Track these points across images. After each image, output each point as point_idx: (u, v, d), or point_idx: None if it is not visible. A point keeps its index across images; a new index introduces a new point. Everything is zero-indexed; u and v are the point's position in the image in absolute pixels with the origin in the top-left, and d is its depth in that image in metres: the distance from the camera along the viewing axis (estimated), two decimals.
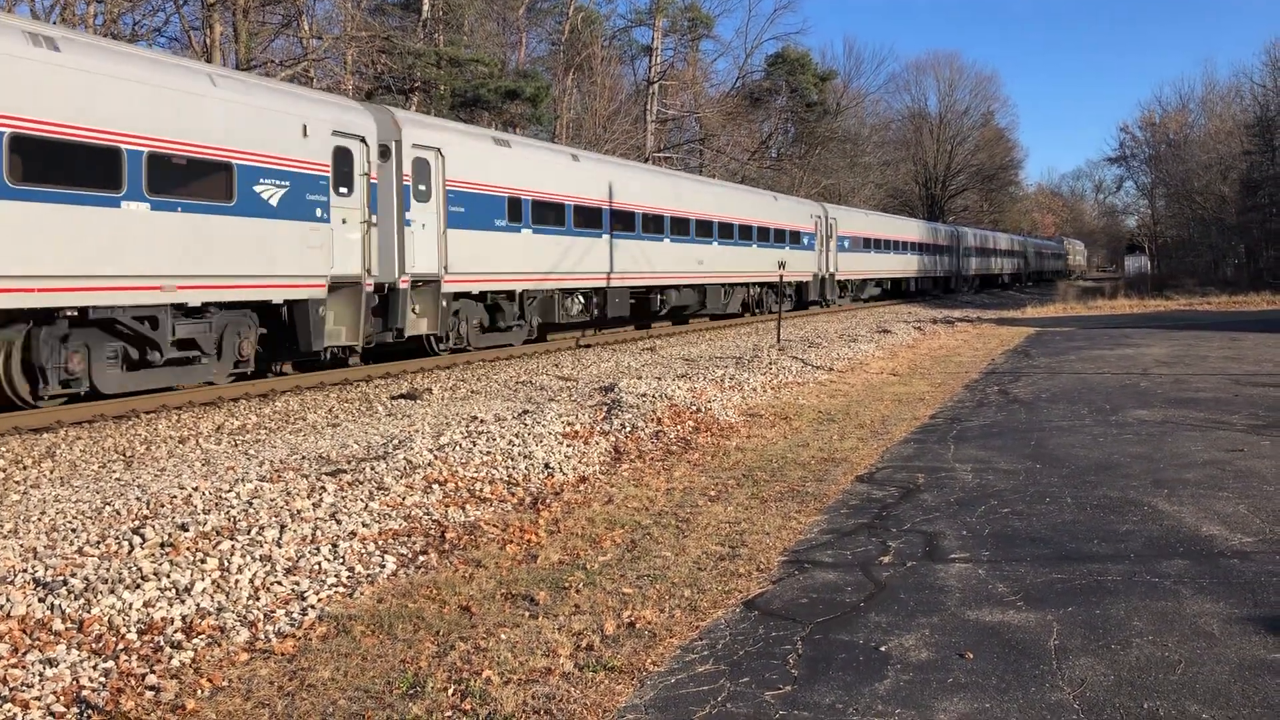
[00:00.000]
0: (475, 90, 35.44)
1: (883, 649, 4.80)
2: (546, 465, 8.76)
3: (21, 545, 5.97)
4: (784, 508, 7.59)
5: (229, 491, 7.18)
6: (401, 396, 13.75)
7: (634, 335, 25.41)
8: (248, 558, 5.91)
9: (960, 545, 6.53)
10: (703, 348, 21.85)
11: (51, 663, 4.55)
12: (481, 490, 7.92)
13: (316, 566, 5.98)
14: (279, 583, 5.70)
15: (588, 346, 22.22)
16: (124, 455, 9.68)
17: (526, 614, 5.34)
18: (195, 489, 7.27)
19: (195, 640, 4.90)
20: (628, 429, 10.41)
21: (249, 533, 6.29)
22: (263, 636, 5.02)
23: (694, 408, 11.72)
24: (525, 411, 10.92)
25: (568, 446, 9.42)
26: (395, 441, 9.04)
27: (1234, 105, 66.80)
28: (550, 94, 41.06)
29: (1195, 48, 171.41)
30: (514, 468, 8.58)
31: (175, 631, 4.98)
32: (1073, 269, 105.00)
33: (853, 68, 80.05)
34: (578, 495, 7.98)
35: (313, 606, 5.41)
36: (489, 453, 8.86)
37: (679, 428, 10.78)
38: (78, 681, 4.42)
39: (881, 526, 7.04)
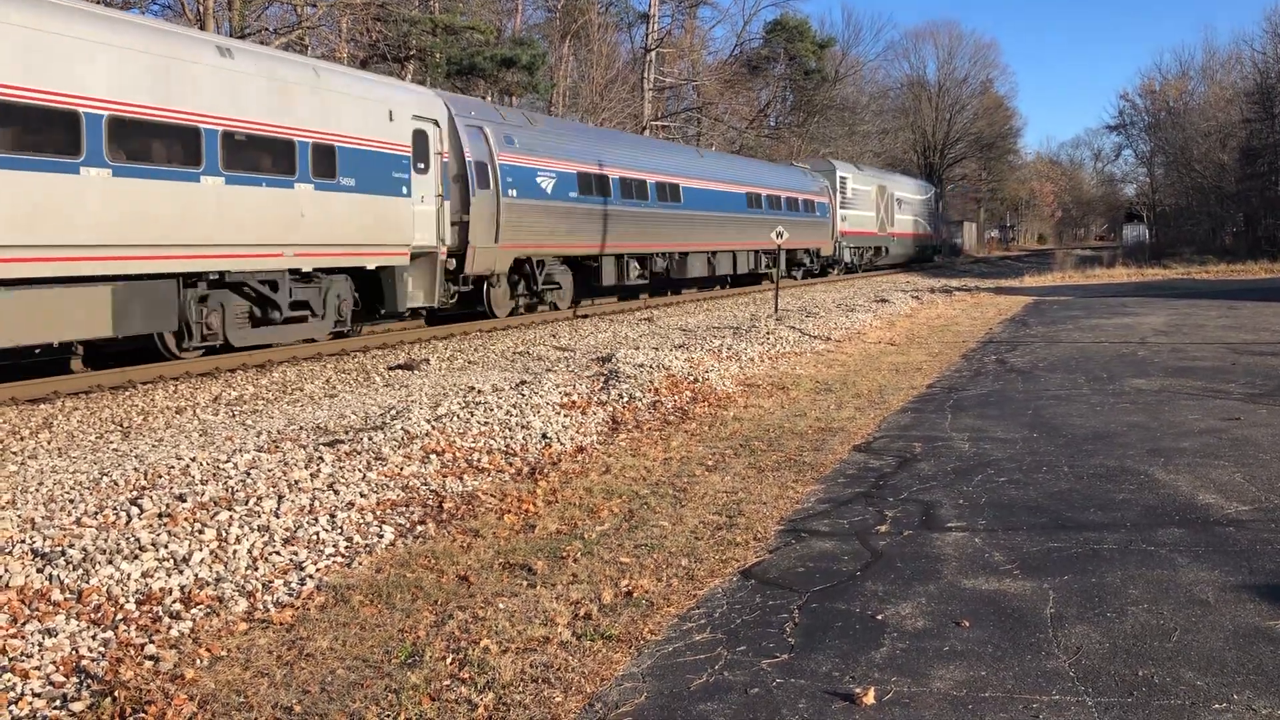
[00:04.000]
0: (471, 58, 35.18)
1: (879, 617, 4.82)
2: (544, 435, 8.76)
3: (19, 516, 5.98)
4: (781, 477, 7.61)
5: (226, 462, 7.18)
6: (399, 367, 13.74)
7: (632, 305, 25.37)
8: (246, 528, 5.92)
9: (957, 514, 6.54)
10: (700, 318, 21.83)
11: (51, 633, 4.56)
12: (479, 460, 7.92)
13: (315, 537, 5.99)
14: (277, 553, 5.71)
15: (585, 316, 22.20)
16: (121, 426, 9.67)
17: (524, 583, 5.35)
18: (193, 460, 7.27)
19: (194, 610, 4.92)
20: (625, 399, 10.41)
21: (247, 503, 6.29)
22: (261, 606, 5.03)
23: (691, 378, 11.71)
24: (523, 382, 10.91)
25: (565, 417, 9.42)
26: (393, 412, 9.04)
27: (1234, 72, 66.39)
28: (546, 62, 40.76)
29: (1196, 14, 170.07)
30: (511, 438, 8.58)
31: (174, 602, 4.99)
32: (886, 252, 48.22)
33: (851, 35, 79.60)
34: (575, 465, 7.99)
35: (311, 576, 5.43)
36: (486, 423, 8.86)
37: (676, 398, 10.77)
38: (77, 651, 4.43)
39: (878, 496, 7.06)
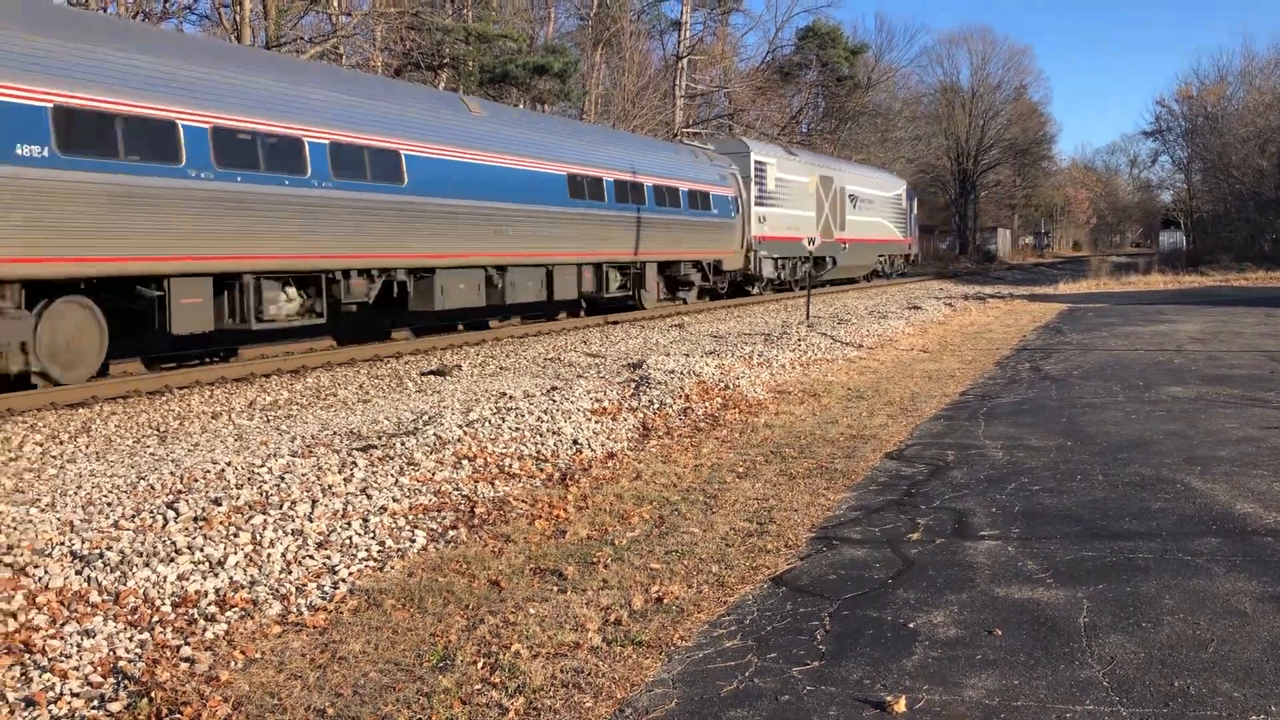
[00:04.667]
0: (503, 66, 35.39)
1: (911, 625, 4.79)
2: (575, 441, 8.78)
3: (59, 519, 6.07)
4: (812, 484, 7.59)
5: (261, 466, 7.25)
6: (431, 373, 13.82)
7: (663, 312, 25.34)
8: (280, 532, 5.97)
9: (990, 522, 6.50)
10: (731, 324, 21.81)
11: (89, 634, 4.63)
12: (510, 466, 7.95)
13: (348, 541, 6.04)
14: (310, 557, 5.76)
15: (616, 323, 22.23)
16: (158, 430, 9.79)
17: (555, 589, 5.37)
18: (228, 464, 7.34)
19: (229, 613, 4.97)
20: (656, 405, 10.42)
21: (281, 507, 6.35)
22: (295, 610, 5.07)
23: (722, 384, 11.70)
24: (554, 388, 10.95)
25: (596, 423, 9.44)
26: (425, 417, 9.10)
27: (1273, 77, 65.56)
28: (579, 69, 40.92)
29: (1233, 19, 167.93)
30: (543, 444, 8.61)
31: (209, 604, 5.05)
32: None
33: (884, 41, 79.48)
34: (606, 471, 8.00)
35: (344, 580, 5.47)
36: (518, 429, 8.89)
37: (707, 404, 10.77)
38: (114, 652, 4.49)
39: (910, 504, 7.02)
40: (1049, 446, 8.79)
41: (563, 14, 49.37)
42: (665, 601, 5.16)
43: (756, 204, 30.18)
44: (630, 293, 23.68)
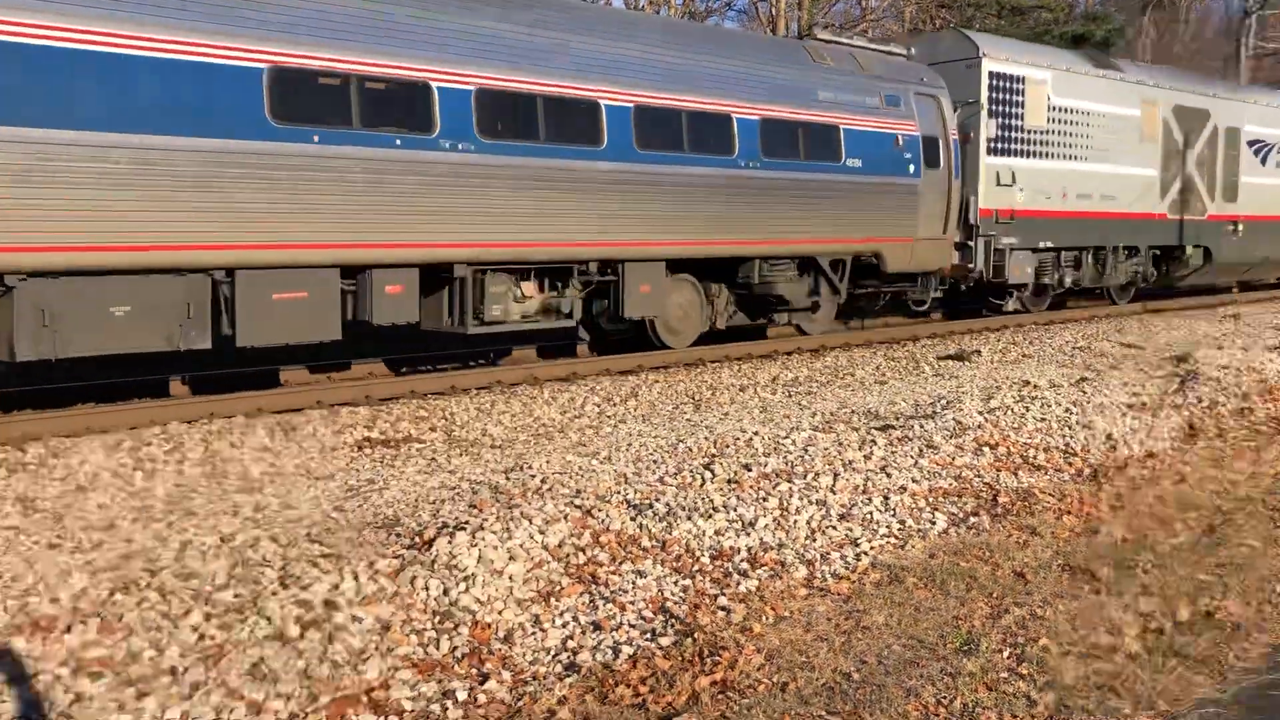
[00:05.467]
0: (1038, 38, 33.60)
1: None
2: (1108, 437, 8.20)
3: (614, 471, 6.82)
4: None
5: (785, 438, 7.61)
6: (949, 358, 13.59)
7: (1209, 302, 22.65)
8: (804, 500, 6.24)
9: None
10: None
11: (641, 574, 5.16)
12: (1035, 457, 7.62)
13: (868, 516, 6.15)
14: (833, 527, 5.95)
15: (1158, 312, 20.34)
16: (693, 399, 10.62)
17: (1086, 588, 5.08)
18: (755, 434, 7.79)
19: (759, 571, 5.29)
20: (1205, 404, 9.42)
21: (804, 477, 6.63)
22: (819, 575, 5.28)
23: None
24: (1083, 379, 10.28)
25: (1133, 419, 8.73)
26: (943, 402, 8.99)
27: None
28: (1124, 36, 37.74)
29: None
30: (1071, 437, 8.14)
31: (741, 560, 5.41)
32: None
33: None
34: (1144, 472, 7.39)
35: (865, 553, 5.59)
36: (1043, 419, 8.49)
37: (1270, 405, 9.53)
38: (662, 593, 4.97)
39: None
40: None
41: None
42: (1216, 617, 4.68)
43: (994, 153, 16.59)
44: (580, 318, 12.52)
